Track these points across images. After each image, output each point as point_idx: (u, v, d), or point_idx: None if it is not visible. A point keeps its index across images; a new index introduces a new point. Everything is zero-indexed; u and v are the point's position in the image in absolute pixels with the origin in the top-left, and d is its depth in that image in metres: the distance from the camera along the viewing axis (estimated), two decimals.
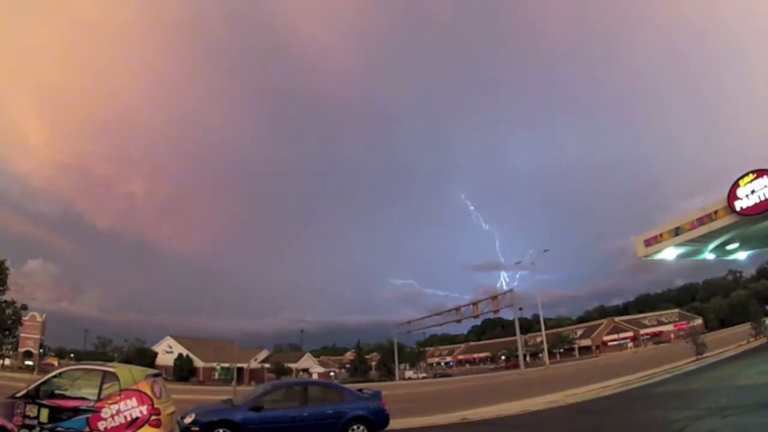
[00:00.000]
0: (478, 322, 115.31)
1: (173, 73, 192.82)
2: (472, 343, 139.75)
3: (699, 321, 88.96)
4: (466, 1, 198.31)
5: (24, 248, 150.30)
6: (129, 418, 9.01)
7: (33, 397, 8.70)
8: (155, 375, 10.37)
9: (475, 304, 68.06)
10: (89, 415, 8.75)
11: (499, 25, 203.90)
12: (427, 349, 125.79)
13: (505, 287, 70.80)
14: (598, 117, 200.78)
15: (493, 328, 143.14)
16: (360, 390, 13.82)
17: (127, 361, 55.73)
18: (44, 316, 65.17)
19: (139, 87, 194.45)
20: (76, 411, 8.73)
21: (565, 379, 33.23)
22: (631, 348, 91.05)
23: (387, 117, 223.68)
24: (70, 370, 9.61)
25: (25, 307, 53.12)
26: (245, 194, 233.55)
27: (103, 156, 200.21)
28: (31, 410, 8.54)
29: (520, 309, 66.77)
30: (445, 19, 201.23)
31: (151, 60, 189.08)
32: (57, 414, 8.60)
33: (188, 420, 11.23)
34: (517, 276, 78.30)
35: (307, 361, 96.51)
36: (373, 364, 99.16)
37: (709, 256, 22.24)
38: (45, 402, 8.67)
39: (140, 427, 9.05)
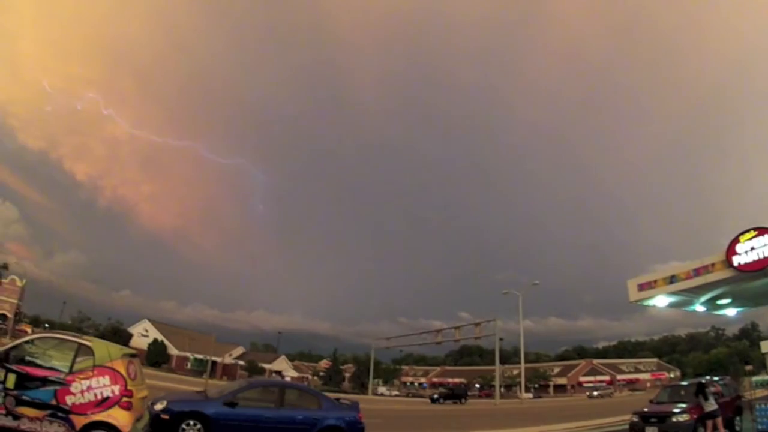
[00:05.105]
0: (456, 347, 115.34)
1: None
2: (448, 368, 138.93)
3: (677, 373, 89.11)
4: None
5: None
6: (99, 397, 8.65)
7: (2, 360, 8.34)
8: (132, 355, 10.01)
9: (457, 328, 67.65)
10: (58, 388, 8.40)
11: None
12: (403, 367, 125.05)
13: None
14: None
15: (470, 354, 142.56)
16: (337, 399, 13.52)
17: (102, 338, 54.61)
18: (24, 281, 64.01)
19: (145, 10, 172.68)
20: (45, 381, 8.38)
21: (541, 415, 32.97)
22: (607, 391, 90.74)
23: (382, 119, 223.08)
24: (44, 337, 9.25)
25: (5, 267, 52.08)
26: (240, 168, 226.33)
27: (93, 82, 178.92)
28: None
29: (501, 339, 66.17)
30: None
31: None
32: (25, 381, 8.23)
33: (159, 407, 10.90)
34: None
35: (282, 364, 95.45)
36: (347, 375, 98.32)
37: (699, 308, 22.03)
38: (13, 367, 8.31)
39: (110, 407, 8.69)
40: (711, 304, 21.21)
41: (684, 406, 15.12)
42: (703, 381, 16.11)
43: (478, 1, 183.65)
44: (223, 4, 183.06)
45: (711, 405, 14.29)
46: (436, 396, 60.25)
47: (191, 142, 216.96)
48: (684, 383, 19.46)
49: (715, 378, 18.89)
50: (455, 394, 60.37)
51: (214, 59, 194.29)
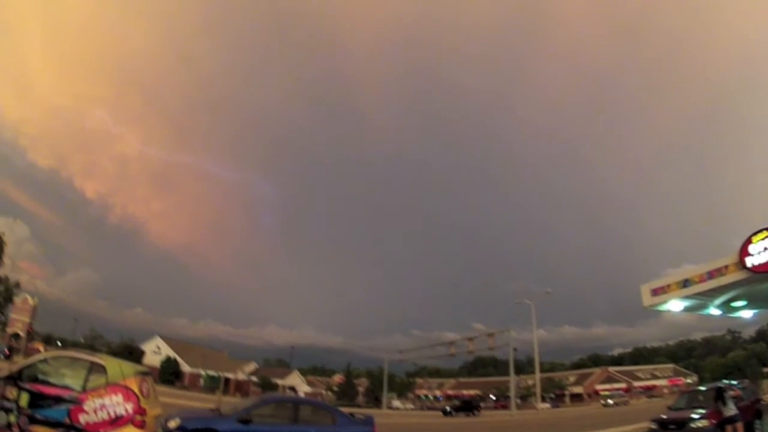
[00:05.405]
0: (470, 358, 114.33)
1: (188, 20, 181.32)
2: (462, 379, 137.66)
3: (694, 378, 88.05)
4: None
5: (5, 213, 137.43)
6: (112, 415, 8.65)
7: (15, 379, 8.38)
8: (145, 373, 10.03)
9: (470, 339, 67.13)
10: (71, 406, 8.42)
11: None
12: (417, 380, 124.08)
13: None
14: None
15: (484, 366, 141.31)
16: (351, 414, 13.40)
17: (115, 356, 54.55)
18: (36, 299, 64.33)
19: (151, 28, 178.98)
20: (58, 400, 8.41)
21: (557, 425, 32.61)
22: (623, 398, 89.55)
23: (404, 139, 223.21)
24: (57, 356, 9.29)
25: (18, 285, 52.27)
26: (249, 183, 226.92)
27: (101, 100, 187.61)
28: (11, 392, 8.22)
29: (515, 349, 65.56)
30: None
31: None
32: (38, 400, 8.27)
33: (172, 424, 10.85)
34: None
35: (295, 379, 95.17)
36: (361, 389, 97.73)
37: (714, 311, 21.79)
38: (26, 386, 8.34)
39: (123, 425, 8.68)
40: (726, 306, 20.98)
41: (703, 411, 14.85)
42: (722, 385, 15.83)
43: (482, 7, 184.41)
44: (229, 20, 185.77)
45: (730, 410, 14.03)
46: (448, 409, 59.76)
47: (200, 157, 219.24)
48: (702, 388, 19.13)
49: (734, 382, 18.56)
50: (467, 406, 59.80)
51: (221, 75, 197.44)
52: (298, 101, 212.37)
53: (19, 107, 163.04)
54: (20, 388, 8.29)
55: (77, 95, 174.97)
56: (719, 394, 14.40)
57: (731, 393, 15.11)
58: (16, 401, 8.18)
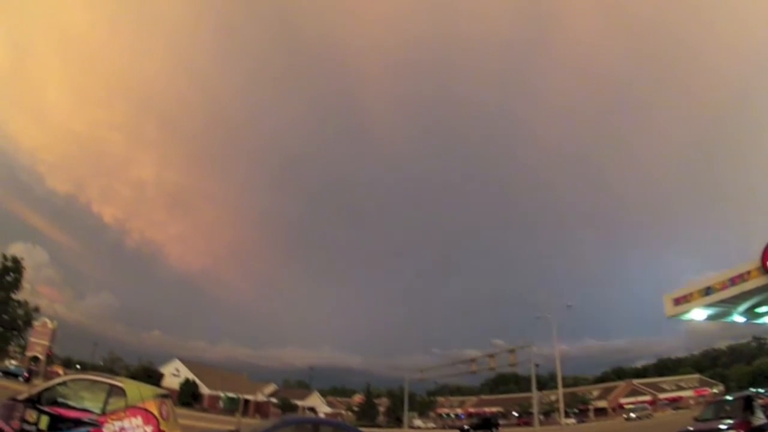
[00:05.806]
0: (492, 375, 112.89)
1: (204, 45, 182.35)
2: (484, 397, 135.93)
3: (720, 388, 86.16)
4: None
5: (24, 239, 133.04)
6: None
7: (34, 402, 8.43)
8: (164, 395, 10.03)
9: (491, 356, 66.27)
10: (91, 429, 8.45)
11: None
12: (438, 399, 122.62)
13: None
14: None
15: (506, 383, 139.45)
16: None
17: (134, 379, 54.49)
18: (55, 323, 65.02)
19: (165, 53, 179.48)
20: (78, 423, 8.43)
21: None
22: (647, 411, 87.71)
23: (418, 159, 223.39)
24: (76, 379, 9.36)
25: (37, 309, 53.08)
26: (261, 208, 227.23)
27: (117, 126, 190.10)
28: (31, 415, 8.26)
29: (537, 365, 64.46)
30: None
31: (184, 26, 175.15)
32: (57, 423, 8.30)
33: None
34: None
35: (315, 400, 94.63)
36: (381, 409, 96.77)
37: (738, 318, 21.34)
38: (46, 409, 8.39)
39: None
40: (750, 313, 20.55)
41: (731, 421, 14.40)
42: (750, 394, 15.43)
43: (492, 23, 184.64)
44: (243, 45, 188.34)
45: (759, 418, 13.64)
46: (465, 427, 58.95)
47: (215, 180, 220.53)
48: (729, 398, 18.62)
49: (761, 390, 18.09)
50: (486, 424, 58.92)
51: (235, 99, 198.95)
52: (311, 122, 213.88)
53: (36, 134, 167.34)
54: (40, 411, 8.33)
55: (94, 121, 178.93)
56: (747, 403, 14.02)
57: (760, 401, 14.72)
58: (36, 424, 8.22)
